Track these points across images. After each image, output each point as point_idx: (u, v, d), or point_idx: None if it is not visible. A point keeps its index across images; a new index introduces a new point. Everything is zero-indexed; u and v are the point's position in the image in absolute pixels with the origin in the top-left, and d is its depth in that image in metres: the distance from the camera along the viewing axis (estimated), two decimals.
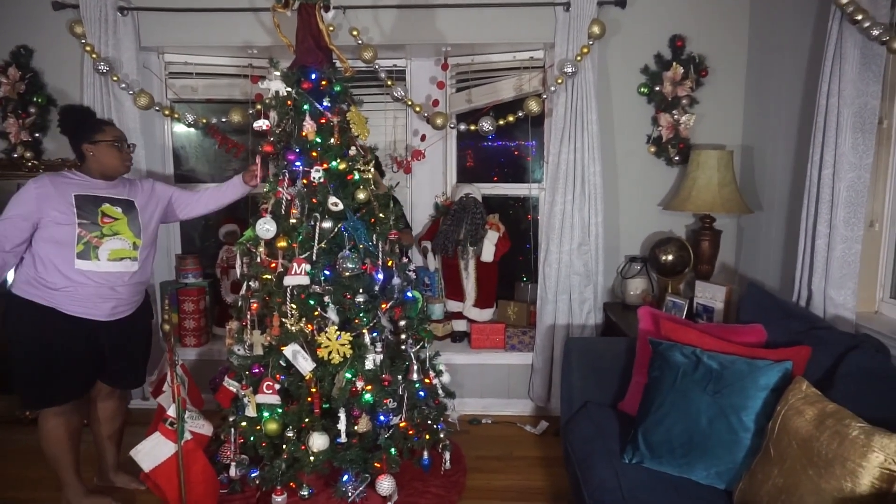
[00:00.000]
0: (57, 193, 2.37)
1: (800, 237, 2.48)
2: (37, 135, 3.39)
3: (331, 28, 2.75)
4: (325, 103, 2.49)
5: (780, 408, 1.76)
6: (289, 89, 2.50)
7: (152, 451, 2.32)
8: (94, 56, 3.21)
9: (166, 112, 3.40)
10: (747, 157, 3.25)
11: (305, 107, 2.48)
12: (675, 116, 3.27)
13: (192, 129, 3.62)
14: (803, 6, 2.69)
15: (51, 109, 3.41)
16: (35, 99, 3.35)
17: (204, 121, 3.43)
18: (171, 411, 2.32)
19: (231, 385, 2.57)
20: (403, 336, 2.64)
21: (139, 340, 2.67)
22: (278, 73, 2.51)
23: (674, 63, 3.23)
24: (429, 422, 2.74)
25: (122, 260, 2.45)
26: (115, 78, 3.23)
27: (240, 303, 2.60)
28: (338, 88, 2.51)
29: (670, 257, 3.15)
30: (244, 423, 2.52)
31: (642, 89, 3.31)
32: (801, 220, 2.47)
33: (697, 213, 3.21)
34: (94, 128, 2.47)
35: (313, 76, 2.48)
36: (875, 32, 2.07)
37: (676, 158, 3.32)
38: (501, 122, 3.32)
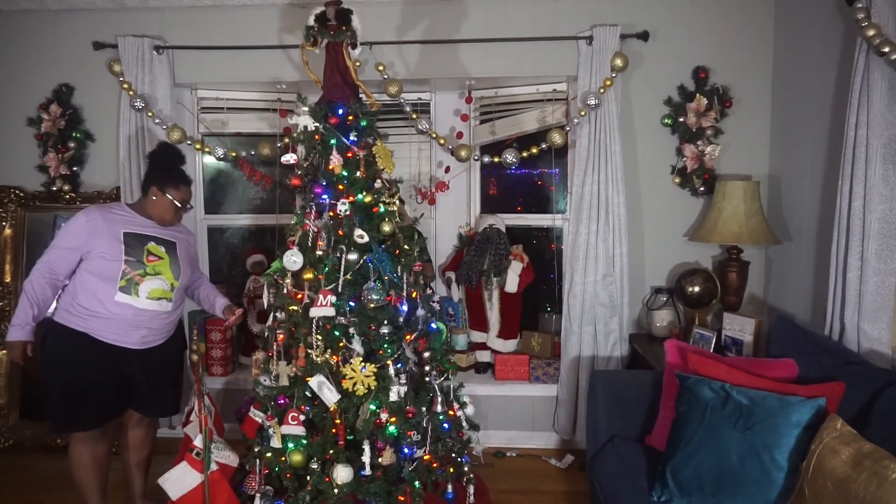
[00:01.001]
0: (107, 228, 2.46)
1: (831, 269, 2.44)
2: (74, 168, 3.52)
3: (357, 64, 2.81)
4: (351, 137, 2.53)
5: (814, 447, 1.71)
6: (316, 124, 2.56)
7: (179, 480, 2.34)
8: (130, 93, 3.33)
9: (197, 146, 3.50)
10: (774, 188, 3.22)
11: (332, 141, 2.53)
12: (700, 147, 3.26)
13: (221, 161, 3.71)
14: (828, 37, 2.69)
15: (89, 144, 3.53)
16: (74, 134, 3.48)
17: (233, 154, 3.52)
18: (198, 441, 2.34)
19: (257, 415, 2.58)
20: (427, 367, 2.64)
21: (170, 369, 2.72)
22: (306, 109, 2.57)
23: (697, 94, 3.24)
24: (453, 454, 2.71)
25: (160, 300, 2.53)
26: (149, 114, 3.34)
27: (266, 333, 2.62)
28: (364, 123, 2.55)
29: (697, 289, 3.11)
30: (269, 454, 2.52)
31: (666, 120, 3.32)
32: (831, 252, 2.43)
33: (724, 244, 3.18)
34: (172, 180, 2.59)
35: (340, 111, 2.53)
36: None
37: (702, 189, 3.30)
38: (525, 154, 3.35)
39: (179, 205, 2.61)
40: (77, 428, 2.51)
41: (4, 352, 3.52)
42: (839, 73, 2.61)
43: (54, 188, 3.51)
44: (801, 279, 2.93)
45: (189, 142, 3.46)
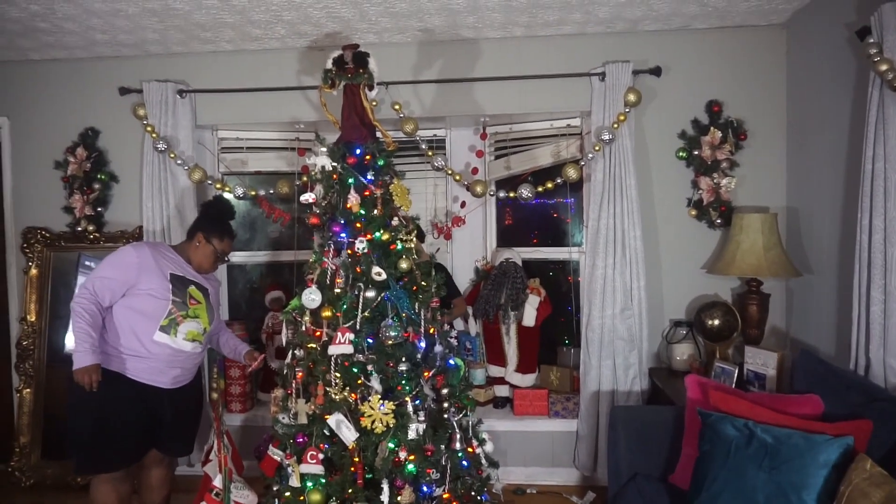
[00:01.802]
0: (157, 267, 2.52)
1: (854, 303, 2.40)
2: (99, 209, 3.60)
3: (374, 104, 2.88)
4: (369, 177, 2.58)
5: (843, 488, 1.68)
6: (334, 164, 2.60)
7: None
8: (154, 136, 3.43)
9: (218, 186, 3.58)
10: (793, 219, 3.20)
11: (350, 180, 2.57)
12: (716, 179, 3.26)
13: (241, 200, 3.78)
14: (840, 70, 2.70)
15: (113, 185, 3.63)
16: (99, 176, 3.58)
17: (253, 192, 3.59)
18: (218, 481, 2.34)
19: (275, 454, 2.58)
20: (446, 404, 2.63)
21: (192, 409, 2.75)
22: (324, 149, 2.62)
23: (711, 127, 3.26)
24: (472, 492, 2.67)
25: (194, 341, 2.59)
26: (172, 155, 3.43)
27: (285, 371, 2.64)
28: (381, 163, 2.60)
29: (716, 322, 3.08)
30: (288, 493, 2.51)
31: (681, 154, 3.34)
32: (853, 286, 2.41)
33: (743, 277, 3.15)
34: (219, 231, 2.69)
35: (358, 151, 2.58)
36: None
37: (718, 221, 3.29)
38: (540, 189, 3.37)
39: (219, 255, 2.70)
40: (105, 469, 2.50)
41: (28, 390, 3.57)
42: (854, 105, 2.62)
43: (79, 228, 3.60)
44: (823, 312, 2.89)
45: (210, 181, 3.54)
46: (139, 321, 2.47)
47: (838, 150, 2.74)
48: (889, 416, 1.95)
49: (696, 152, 3.29)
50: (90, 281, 2.48)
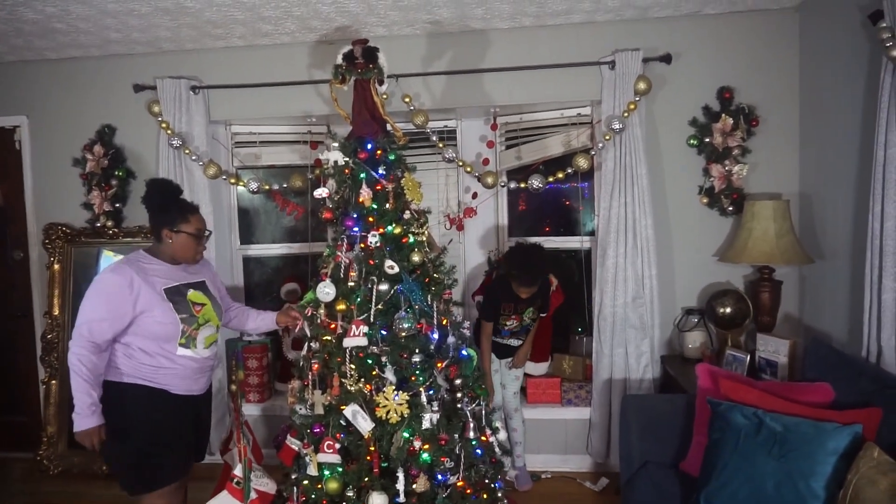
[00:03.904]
0: (148, 288, 2.29)
1: (865, 290, 2.40)
2: (117, 205, 3.68)
3: (384, 97, 2.90)
4: (380, 171, 2.60)
5: (850, 476, 1.70)
6: (346, 159, 2.64)
7: None
8: (168, 132, 3.48)
9: (232, 181, 3.63)
10: (806, 206, 3.19)
11: (362, 175, 2.60)
12: (727, 167, 3.25)
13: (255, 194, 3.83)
14: (854, 54, 2.68)
15: (130, 181, 3.70)
16: (116, 172, 3.64)
17: (266, 187, 3.64)
18: (238, 470, 2.41)
19: (293, 443, 2.64)
20: (459, 394, 2.67)
21: (210, 407, 2.73)
22: (336, 145, 2.65)
23: (722, 114, 3.24)
24: (486, 480, 2.73)
25: (212, 345, 2.50)
26: (186, 151, 3.49)
27: (301, 363, 2.69)
28: (392, 157, 2.63)
29: (728, 310, 3.09)
30: (306, 482, 2.57)
31: (692, 141, 3.32)
32: (865, 273, 2.40)
33: (755, 264, 3.15)
34: (180, 216, 2.39)
35: (369, 146, 2.61)
36: None
37: (730, 209, 3.28)
38: (551, 179, 3.38)
39: (197, 235, 2.43)
40: (163, 483, 2.38)
41: (54, 381, 3.67)
42: (866, 90, 2.59)
43: (98, 224, 3.67)
44: (836, 299, 2.88)
45: (224, 176, 3.59)
46: (157, 345, 2.32)
47: (851, 137, 2.72)
48: None
49: (707, 139, 3.28)
50: (84, 325, 2.23)
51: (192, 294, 2.42)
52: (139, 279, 2.28)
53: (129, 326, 2.29)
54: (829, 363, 2.37)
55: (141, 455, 2.33)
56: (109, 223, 3.66)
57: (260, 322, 2.85)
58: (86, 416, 2.22)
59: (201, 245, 2.48)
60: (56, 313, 3.69)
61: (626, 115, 3.20)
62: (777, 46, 3.23)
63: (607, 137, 3.23)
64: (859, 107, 2.65)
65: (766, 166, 3.28)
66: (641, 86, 3.17)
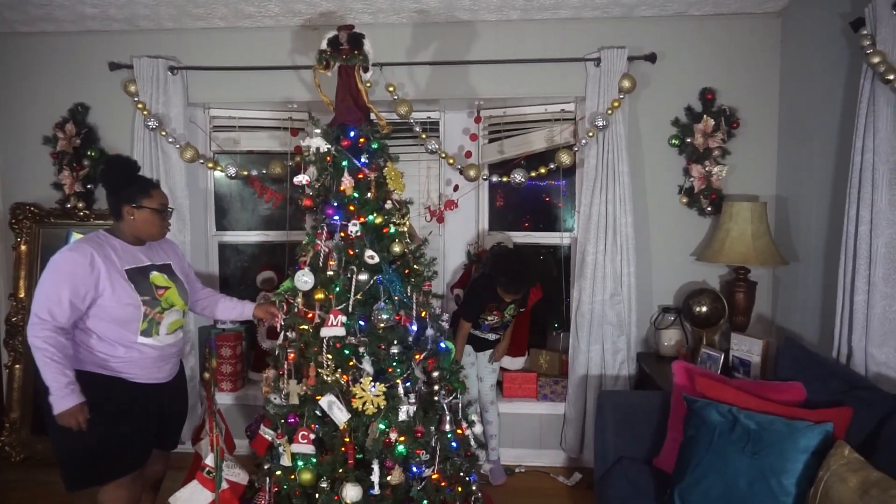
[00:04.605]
0: (109, 270, 2.20)
1: (838, 292, 2.45)
2: (89, 186, 3.57)
3: (368, 84, 2.87)
4: (362, 159, 2.57)
5: (821, 474, 1.72)
6: (328, 146, 2.60)
7: (190, 499, 2.36)
8: (145, 113, 3.39)
9: (210, 165, 3.55)
10: (782, 208, 3.24)
11: (344, 163, 2.56)
12: (707, 167, 3.28)
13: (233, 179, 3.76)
14: (834, 60, 2.72)
15: (111, 159, 3.57)
16: (89, 153, 3.54)
17: (245, 172, 3.57)
18: (209, 460, 2.37)
19: (267, 433, 2.60)
20: (436, 387, 2.66)
21: (184, 396, 2.65)
22: (318, 131, 2.61)
23: (704, 115, 3.27)
24: (461, 473, 2.72)
25: (177, 331, 2.42)
26: (163, 133, 3.40)
27: (277, 352, 2.65)
28: (375, 146, 2.59)
29: (704, 309, 3.12)
30: (279, 472, 2.55)
31: (673, 141, 3.35)
32: (838, 275, 2.45)
33: (731, 265, 3.19)
34: (141, 191, 2.30)
35: (352, 134, 2.57)
36: None
37: (709, 209, 3.32)
38: (533, 174, 3.38)
39: (160, 211, 2.34)
40: (120, 474, 2.29)
41: (18, 366, 3.57)
42: (845, 96, 2.63)
43: (69, 205, 3.57)
44: (808, 300, 2.93)
45: (201, 160, 3.51)
46: (113, 329, 2.22)
47: (829, 141, 2.77)
48: (868, 404, 2.00)
49: (688, 140, 3.31)
50: (43, 308, 2.12)
51: (155, 276, 2.34)
52: (100, 258, 2.19)
53: (90, 309, 2.19)
54: (801, 363, 2.41)
55: (95, 446, 2.23)
56: (80, 204, 3.55)
57: (232, 311, 2.76)
58: (65, 397, 2.12)
59: (165, 221, 2.39)
60: (22, 295, 3.58)
61: (609, 112, 3.21)
62: (759, 50, 3.27)
63: (590, 134, 3.24)
64: (837, 112, 2.70)
65: (745, 168, 3.32)
66: (626, 84, 3.18)
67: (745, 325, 3.11)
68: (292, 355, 2.56)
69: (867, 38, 2.26)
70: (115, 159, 2.45)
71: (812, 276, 2.90)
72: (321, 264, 2.56)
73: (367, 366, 2.49)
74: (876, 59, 2.19)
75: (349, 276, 2.52)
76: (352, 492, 2.37)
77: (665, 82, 3.33)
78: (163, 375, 2.41)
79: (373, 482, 2.41)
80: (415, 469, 2.50)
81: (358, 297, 2.52)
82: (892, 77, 2.12)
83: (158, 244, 2.48)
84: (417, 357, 2.62)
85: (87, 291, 2.17)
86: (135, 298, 2.23)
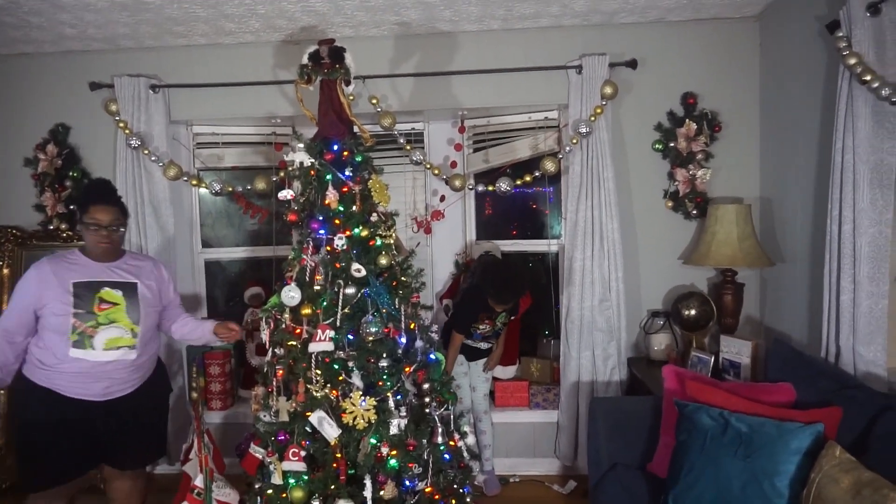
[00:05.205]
0: (56, 281, 2.33)
1: (824, 292, 2.46)
2: (71, 207, 3.53)
3: (351, 98, 2.86)
4: (347, 173, 2.56)
5: (813, 475, 1.72)
6: (312, 160, 2.58)
7: None
8: (126, 132, 3.37)
9: (194, 182, 3.53)
10: (766, 209, 3.26)
11: (328, 177, 2.55)
12: (691, 171, 3.30)
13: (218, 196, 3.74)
14: (812, 62, 2.75)
15: (85, 182, 3.55)
16: (71, 173, 3.51)
17: (230, 189, 3.55)
18: (199, 481, 2.33)
19: (257, 452, 2.57)
20: (427, 399, 2.64)
21: (148, 417, 2.58)
22: (302, 146, 2.60)
23: (687, 119, 3.29)
24: (454, 486, 2.70)
25: (120, 348, 2.38)
26: (145, 151, 3.38)
27: (265, 369, 2.63)
28: (359, 158, 2.59)
29: (693, 312, 3.13)
30: (270, 491, 2.51)
31: (657, 145, 3.37)
32: (824, 275, 2.46)
33: (718, 267, 3.21)
34: (82, 208, 2.41)
35: (336, 147, 2.56)
36: (885, 92, 2.11)
37: (694, 212, 3.33)
38: (519, 182, 3.38)
39: (98, 228, 2.36)
40: (39, 486, 2.34)
41: (2, 393, 3.51)
42: (824, 97, 2.66)
43: (51, 227, 3.53)
44: (796, 300, 2.95)
45: (185, 178, 3.49)
46: (52, 339, 2.32)
47: (810, 142, 2.79)
48: (858, 403, 2.01)
49: (671, 144, 3.33)
50: (3, 315, 2.37)
51: (105, 292, 2.38)
52: (53, 272, 2.34)
53: (40, 319, 2.35)
54: (790, 364, 2.42)
55: (26, 452, 2.33)
56: (63, 226, 3.51)
57: (189, 331, 2.72)
58: None
59: (104, 237, 2.39)
60: None
61: (592, 118, 3.22)
62: (738, 54, 3.31)
63: (574, 141, 3.25)
64: (817, 113, 2.72)
65: (729, 171, 3.34)
66: (608, 90, 3.20)
67: (733, 327, 3.12)
68: (281, 372, 2.53)
69: (843, 40, 2.28)
70: (92, 181, 2.59)
71: (798, 276, 2.92)
72: (308, 279, 2.54)
73: (356, 380, 2.47)
74: (852, 61, 2.21)
75: (336, 290, 2.50)
76: None
77: (647, 88, 3.35)
78: (95, 393, 2.37)
79: (365, 498, 2.38)
80: (408, 483, 2.47)
81: (346, 310, 2.49)
82: (868, 78, 2.14)
83: (137, 263, 2.53)
84: (407, 370, 2.60)
85: (28, 303, 2.35)
86: (66, 310, 2.31)
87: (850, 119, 2.29)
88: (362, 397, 2.39)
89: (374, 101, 3.32)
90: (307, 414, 2.44)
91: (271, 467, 2.49)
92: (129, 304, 2.42)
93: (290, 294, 2.49)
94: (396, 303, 2.58)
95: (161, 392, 2.68)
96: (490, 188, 3.43)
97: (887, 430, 1.86)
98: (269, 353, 2.61)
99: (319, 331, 2.43)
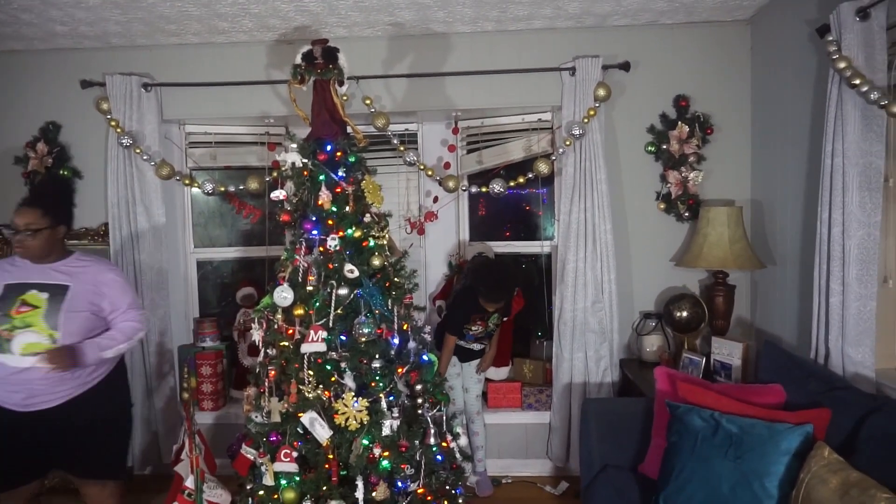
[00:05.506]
0: None
1: (814, 294, 2.48)
2: None
3: (345, 98, 2.86)
4: (340, 173, 2.56)
5: (803, 476, 1.74)
6: (305, 161, 2.58)
7: None
8: (118, 130, 3.35)
9: (186, 182, 3.52)
10: (757, 212, 3.28)
11: (321, 177, 2.55)
12: (684, 173, 3.32)
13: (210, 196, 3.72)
14: (802, 66, 2.77)
15: (76, 181, 3.54)
16: (62, 172, 3.48)
17: (222, 188, 3.53)
18: (190, 482, 2.33)
19: (249, 453, 2.57)
20: (420, 400, 2.64)
21: (91, 429, 2.39)
22: (295, 146, 2.59)
23: (679, 122, 3.31)
24: (447, 487, 2.70)
25: (38, 354, 2.20)
26: (137, 150, 3.36)
27: (258, 369, 2.62)
28: (353, 159, 2.58)
29: (685, 314, 3.15)
30: (262, 492, 2.50)
31: (649, 148, 3.38)
32: (814, 277, 2.48)
33: (710, 269, 3.22)
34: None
35: (329, 148, 2.56)
36: (874, 96, 2.12)
37: (686, 214, 3.35)
38: (512, 184, 3.39)
39: (12, 231, 2.29)
40: None
41: None
42: (814, 101, 2.68)
43: None
44: (786, 302, 2.97)
45: (178, 177, 3.47)
46: None
47: (801, 145, 2.81)
48: (846, 404, 2.02)
49: (664, 146, 3.34)
50: None
51: (30, 295, 2.26)
52: None
53: None
54: (780, 365, 2.43)
55: None
56: None
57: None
58: None
59: (16, 241, 2.29)
60: None
61: (585, 120, 3.24)
62: (730, 57, 3.33)
63: (567, 143, 3.26)
64: (808, 116, 2.74)
65: (721, 173, 3.36)
66: (601, 92, 3.21)
67: (725, 329, 3.13)
68: (273, 372, 2.53)
69: (833, 44, 2.30)
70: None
71: (789, 278, 2.94)
72: (300, 279, 2.53)
73: (349, 381, 2.47)
74: (842, 65, 2.23)
75: (329, 290, 2.50)
76: None
77: (639, 90, 3.37)
78: (16, 402, 2.25)
79: (357, 499, 2.38)
80: (400, 484, 2.47)
81: (338, 311, 2.49)
82: (857, 82, 2.16)
83: (79, 265, 2.39)
84: (400, 370, 2.60)
85: None
86: None
87: (840, 122, 2.31)
88: (355, 398, 2.39)
89: (368, 102, 3.32)
90: (299, 415, 2.44)
91: (263, 468, 2.49)
92: (50, 309, 2.26)
93: (283, 295, 2.48)
94: (389, 304, 2.58)
95: (116, 407, 2.51)
96: (483, 189, 3.44)
97: (875, 431, 1.87)
98: (262, 354, 2.61)
99: (312, 331, 2.43)
